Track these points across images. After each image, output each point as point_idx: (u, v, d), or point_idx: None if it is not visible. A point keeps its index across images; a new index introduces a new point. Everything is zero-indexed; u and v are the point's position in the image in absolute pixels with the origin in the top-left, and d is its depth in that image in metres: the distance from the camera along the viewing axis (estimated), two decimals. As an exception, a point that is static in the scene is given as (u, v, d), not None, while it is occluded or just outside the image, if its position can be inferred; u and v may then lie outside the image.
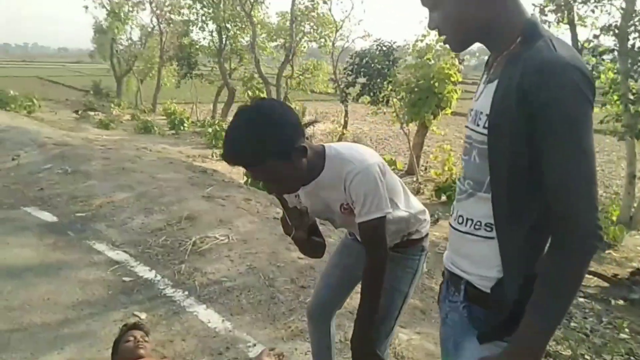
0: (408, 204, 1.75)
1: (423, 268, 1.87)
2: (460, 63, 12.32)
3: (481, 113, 1.13)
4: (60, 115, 17.91)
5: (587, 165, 1.01)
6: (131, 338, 2.44)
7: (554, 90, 0.99)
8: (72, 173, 6.27)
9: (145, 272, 3.68)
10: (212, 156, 12.34)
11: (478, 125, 1.13)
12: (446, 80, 12.00)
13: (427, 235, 1.84)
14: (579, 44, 10.43)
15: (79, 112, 18.29)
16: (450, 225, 1.26)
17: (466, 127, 1.20)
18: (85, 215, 4.87)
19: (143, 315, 2.97)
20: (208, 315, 3.08)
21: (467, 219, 1.19)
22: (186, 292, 3.38)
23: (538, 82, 1.01)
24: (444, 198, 10.59)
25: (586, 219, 1.00)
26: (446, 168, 11.59)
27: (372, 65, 12.20)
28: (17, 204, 5.18)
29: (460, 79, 12.09)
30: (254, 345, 2.76)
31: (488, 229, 1.15)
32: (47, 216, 4.85)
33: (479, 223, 1.16)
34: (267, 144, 1.38)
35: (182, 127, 16.75)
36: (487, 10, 1.11)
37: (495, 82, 1.11)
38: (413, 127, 13.25)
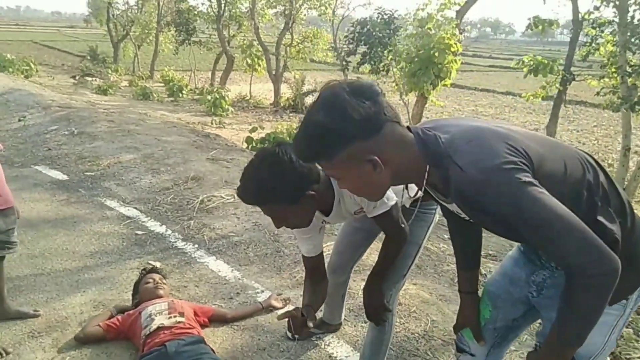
0: None
1: (436, 219, 2.04)
2: (461, 33, 12.27)
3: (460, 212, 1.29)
4: (57, 80, 17.83)
5: (558, 222, 1.07)
6: (150, 280, 2.65)
7: (491, 199, 1.09)
8: (79, 134, 6.40)
9: (156, 226, 3.88)
10: (212, 123, 12.42)
11: (461, 214, 1.29)
12: (446, 51, 11.96)
13: None
14: (579, 15, 10.47)
15: (77, 78, 18.19)
16: None
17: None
18: (94, 174, 5.04)
19: (157, 264, 3.16)
20: (218, 266, 3.29)
21: None
22: (196, 245, 3.58)
23: (475, 204, 1.13)
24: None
25: (590, 263, 1.06)
26: (444, 138, 11.74)
27: (374, 33, 12.16)
28: (28, 163, 5.34)
29: (460, 49, 12.07)
30: (262, 291, 2.98)
31: None
32: (58, 174, 5.02)
33: None
34: (275, 190, 1.53)
35: (180, 94, 16.70)
36: (387, 174, 1.18)
37: (453, 204, 1.25)
38: (413, 97, 13.31)
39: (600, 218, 1.16)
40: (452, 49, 12.14)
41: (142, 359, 2.18)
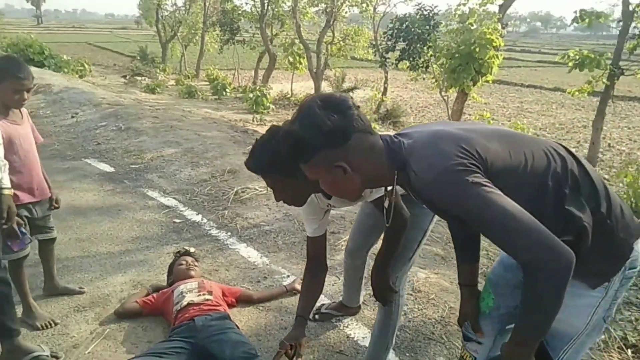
0: None
1: None
2: (503, 28, 12.03)
3: None
4: (109, 79, 18.67)
5: (506, 220, 1.14)
6: (183, 262, 2.86)
7: (444, 197, 1.21)
8: (125, 130, 6.78)
9: (192, 215, 4.11)
10: (253, 121, 12.71)
11: None
12: (487, 46, 11.76)
13: None
14: (630, 6, 10.09)
15: (127, 77, 18.98)
16: None
17: None
18: (139, 167, 5.35)
19: (192, 249, 3.37)
20: (248, 252, 3.47)
21: None
22: (229, 233, 3.78)
23: (431, 204, 1.28)
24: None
25: (543, 257, 1.13)
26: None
27: (412, 29, 12.11)
28: (79, 156, 5.72)
29: (502, 44, 11.82)
30: (288, 276, 3.14)
31: None
32: (105, 167, 5.37)
33: None
34: (276, 161, 1.63)
35: (224, 93, 17.12)
36: (357, 178, 1.32)
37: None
38: (453, 94, 13.17)
39: (568, 207, 1.23)
40: (494, 44, 11.91)
41: (173, 332, 2.37)
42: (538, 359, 1.32)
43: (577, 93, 11.28)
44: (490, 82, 13.94)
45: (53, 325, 2.55)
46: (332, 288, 3.00)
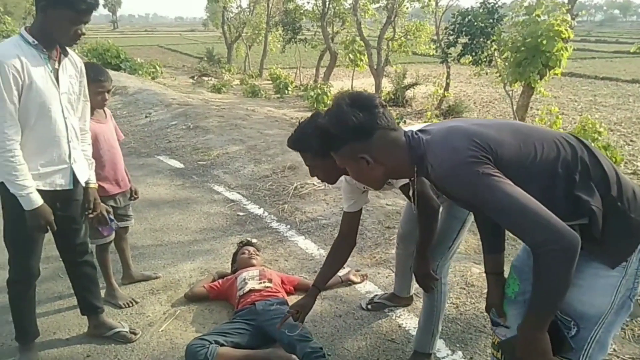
0: None
1: None
2: (573, 19, 11.50)
3: None
4: (178, 80, 19.61)
5: (514, 206, 1.24)
6: (246, 252, 3.07)
7: (459, 186, 1.33)
8: (194, 128, 7.19)
9: (255, 209, 4.35)
10: (314, 118, 12.95)
11: None
12: (555, 38, 11.28)
13: None
14: None
15: (195, 78, 19.85)
16: None
17: None
18: (206, 163, 5.70)
19: (254, 240, 3.59)
20: (306, 244, 3.65)
21: None
22: (288, 226, 3.98)
23: (448, 194, 1.41)
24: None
25: (549, 240, 1.21)
26: (553, 131, 11.11)
27: (475, 23, 11.84)
28: (152, 153, 6.16)
29: (571, 36, 11.30)
30: (343, 268, 3.26)
31: None
32: (176, 163, 5.75)
33: None
34: (309, 142, 1.86)
35: (286, 91, 17.50)
36: (379, 169, 1.46)
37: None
38: (519, 88, 12.75)
39: (577, 192, 1.31)
40: (563, 36, 11.42)
41: (236, 314, 2.59)
42: (554, 345, 1.38)
43: (654, 85, 10.60)
44: (559, 75, 13.36)
45: (133, 304, 2.84)
46: (386, 280, 3.11)
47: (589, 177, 1.34)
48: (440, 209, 2.12)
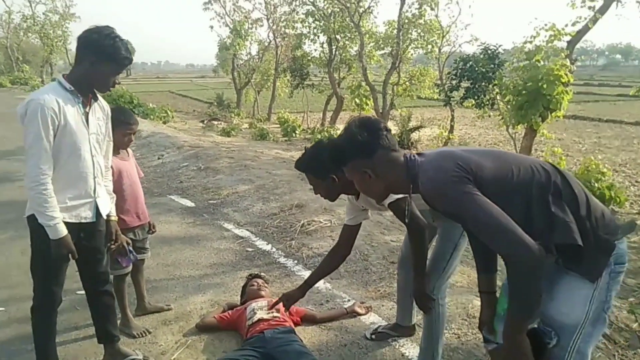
0: None
1: None
2: (572, 63, 11.84)
3: None
4: (189, 124, 20.12)
5: (490, 221, 1.44)
6: (255, 283, 3.21)
7: (442, 200, 1.56)
8: (204, 169, 7.43)
9: (263, 245, 4.50)
10: (321, 159, 13.21)
11: None
12: (556, 82, 11.60)
13: None
14: None
15: (205, 122, 20.35)
16: None
17: None
18: (216, 202, 5.89)
19: (262, 274, 3.72)
20: (312, 278, 3.76)
21: None
22: (295, 261, 4.11)
23: (436, 208, 1.62)
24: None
25: (515, 252, 1.42)
26: (556, 172, 11.24)
27: (476, 68, 12.26)
28: (164, 193, 6.38)
29: (572, 80, 11.62)
30: (349, 300, 3.39)
31: None
32: (187, 202, 5.95)
33: None
34: (311, 165, 2.34)
35: (294, 134, 17.89)
36: (379, 184, 1.71)
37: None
38: (522, 130, 12.98)
39: (553, 209, 1.50)
40: (563, 80, 11.74)
41: (246, 342, 2.70)
42: (536, 354, 1.52)
43: (655, 127, 10.81)
44: (561, 117, 13.61)
45: (147, 334, 2.96)
46: (390, 312, 3.21)
47: (560, 198, 1.52)
48: (436, 234, 2.29)
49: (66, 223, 2.24)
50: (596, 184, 9.22)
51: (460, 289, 3.56)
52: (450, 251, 2.32)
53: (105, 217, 2.48)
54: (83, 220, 2.34)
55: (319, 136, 15.26)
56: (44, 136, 2.12)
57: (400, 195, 2.15)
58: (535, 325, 1.63)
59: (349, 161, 1.72)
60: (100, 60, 2.19)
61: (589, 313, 1.55)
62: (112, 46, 2.18)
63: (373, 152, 1.67)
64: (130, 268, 2.95)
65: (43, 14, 33.58)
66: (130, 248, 2.72)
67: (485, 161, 1.58)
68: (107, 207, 2.49)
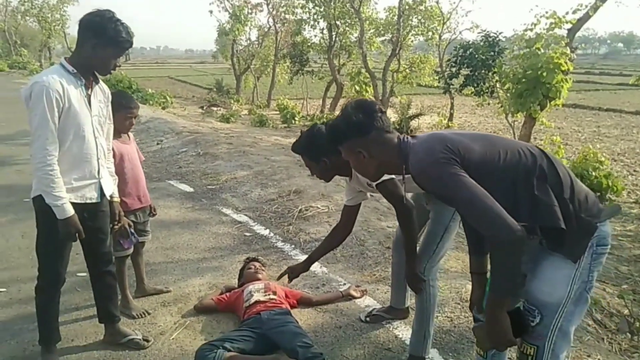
0: None
1: None
2: (572, 52, 11.81)
3: None
4: (188, 110, 20.09)
5: (474, 201, 1.49)
6: (252, 266, 3.26)
7: (429, 179, 1.61)
8: (203, 155, 7.46)
9: (261, 230, 4.55)
10: (320, 146, 13.22)
11: None
12: (555, 70, 11.58)
13: None
14: None
15: (204, 108, 20.31)
16: None
17: None
18: (214, 187, 5.93)
19: (260, 257, 3.78)
20: (309, 262, 3.82)
21: None
22: (293, 246, 4.17)
23: (421, 183, 1.66)
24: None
25: (492, 233, 1.48)
26: (555, 160, 11.27)
27: (476, 56, 12.24)
28: (163, 178, 6.42)
29: (571, 68, 11.58)
30: (344, 284, 3.45)
31: None
32: (186, 187, 5.99)
33: None
34: (306, 147, 2.43)
35: (293, 121, 17.87)
36: (374, 163, 1.77)
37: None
38: (521, 119, 12.99)
39: (536, 192, 1.55)
40: (563, 68, 11.71)
41: (243, 323, 2.76)
42: (519, 330, 1.59)
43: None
44: (561, 106, 13.61)
45: (146, 315, 3.02)
46: (385, 296, 3.26)
47: (545, 181, 1.57)
48: (429, 217, 2.40)
49: (72, 203, 2.29)
50: (594, 173, 9.26)
51: (454, 273, 3.62)
52: (440, 234, 2.39)
53: (108, 198, 2.53)
54: (88, 201, 2.40)
55: (318, 123, 15.27)
56: (50, 118, 2.16)
57: (388, 177, 2.21)
58: (521, 306, 1.69)
59: (345, 141, 1.77)
60: (101, 44, 2.22)
61: (570, 292, 1.60)
62: (113, 29, 2.21)
63: (367, 133, 1.72)
64: (131, 250, 3.00)
65: (41, -4, 33.34)
66: (132, 230, 2.77)
67: (474, 144, 1.62)
68: (110, 188, 2.54)
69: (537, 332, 1.64)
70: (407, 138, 1.74)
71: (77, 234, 2.29)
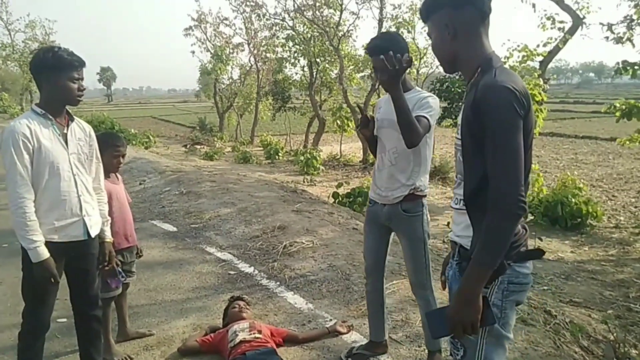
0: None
1: (428, 217, 2.62)
2: (545, 82, 12.19)
3: (459, 125, 1.70)
4: (171, 149, 20.12)
5: (508, 157, 1.45)
6: (236, 306, 3.22)
7: (492, 104, 1.50)
8: (187, 193, 7.44)
9: (246, 267, 4.51)
10: (304, 181, 13.28)
11: (457, 133, 1.69)
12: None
13: (426, 195, 2.60)
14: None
15: (187, 146, 20.38)
16: (451, 206, 1.82)
17: (454, 136, 1.77)
18: (198, 226, 5.89)
19: (244, 296, 3.73)
20: (295, 299, 3.79)
21: (459, 200, 1.71)
22: (278, 283, 4.13)
23: (481, 97, 1.52)
24: (530, 217, 10.42)
25: (505, 192, 1.44)
26: (535, 189, 11.43)
27: (453, 89, 12.57)
28: (146, 218, 6.36)
29: (545, 98, 11.94)
30: (330, 320, 3.41)
31: None
32: (169, 227, 5.94)
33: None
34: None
35: (277, 157, 18.01)
36: (453, 47, 1.65)
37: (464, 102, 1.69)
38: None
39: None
40: (537, 99, 12.06)
41: (227, 365, 2.71)
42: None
43: (627, 142, 11.14)
44: (537, 135, 13.90)
45: (128, 360, 2.95)
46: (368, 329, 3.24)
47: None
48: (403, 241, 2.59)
49: (57, 243, 2.29)
50: (573, 199, 9.43)
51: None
52: (422, 246, 2.57)
53: (99, 239, 2.53)
54: (74, 239, 2.38)
55: (301, 158, 15.41)
56: (17, 161, 2.19)
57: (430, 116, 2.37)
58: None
59: (438, 10, 1.64)
60: (51, 72, 2.28)
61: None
62: (52, 57, 2.27)
63: (463, 6, 1.59)
64: (119, 290, 2.97)
65: (22, 42, 33.49)
66: (120, 269, 2.75)
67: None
68: (98, 226, 2.51)
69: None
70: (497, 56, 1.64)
71: (52, 278, 2.25)
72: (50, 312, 2.41)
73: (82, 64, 2.34)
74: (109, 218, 2.65)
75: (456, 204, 1.74)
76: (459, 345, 1.62)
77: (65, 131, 2.36)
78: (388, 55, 2.19)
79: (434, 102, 2.50)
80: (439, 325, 1.60)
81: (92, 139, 2.53)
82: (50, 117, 2.32)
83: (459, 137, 1.65)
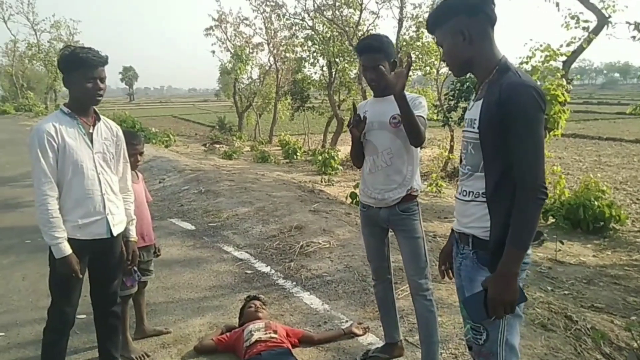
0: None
1: (421, 216, 2.66)
2: (568, 83, 11.96)
3: (474, 120, 1.71)
4: (191, 148, 20.29)
5: (535, 148, 1.59)
6: (252, 305, 3.23)
7: (519, 101, 1.59)
8: (205, 192, 7.50)
9: (262, 267, 4.53)
10: (321, 181, 13.26)
11: (473, 127, 1.71)
12: (552, 101, 11.69)
13: (418, 195, 2.63)
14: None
15: (207, 145, 20.53)
16: (457, 198, 1.84)
17: (463, 131, 1.79)
18: (216, 225, 5.93)
19: (261, 295, 3.74)
20: (311, 299, 3.79)
21: (469, 192, 1.77)
22: (294, 283, 4.13)
23: (509, 95, 1.60)
24: (551, 220, 10.25)
25: (531, 180, 1.57)
26: (557, 191, 11.24)
27: (473, 89, 12.43)
28: (165, 216, 6.43)
29: (568, 99, 11.70)
30: (347, 321, 3.40)
31: (483, 197, 1.71)
32: (187, 225, 5.99)
33: (477, 193, 1.73)
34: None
35: (295, 156, 18.01)
36: (469, 51, 1.73)
37: (482, 99, 1.69)
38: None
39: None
40: (560, 100, 11.84)
41: (243, 364, 2.71)
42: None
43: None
44: (560, 136, 13.67)
45: (146, 357, 2.98)
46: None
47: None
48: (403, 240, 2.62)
49: (80, 240, 2.34)
50: (596, 202, 9.23)
51: (457, 308, 3.57)
52: (422, 244, 2.59)
53: (123, 238, 2.58)
54: (97, 237, 2.42)
55: (319, 158, 15.39)
56: (42, 159, 2.25)
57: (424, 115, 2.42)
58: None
59: (453, 17, 1.72)
60: (71, 74, 2.32)
61: None
62: (70, 55, 2.32)
63: (477, 14, 1.69)
64: (135, 289, 3.00)
65: (48, 42, 34.23)
66: (135, 268, 2.79)
67: None
68: (122, 225, 2.55)
69: (487, 349, 1.69)
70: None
71: (74, 274, 2.29)
72: (75, 308, 2.46)
73: (103, 62, 2.36)
74: (134, 217, 2.68)
75: (464, 195, 1.80)
76: (481, 329, 1.70)
77: (90, 130, 2.41)
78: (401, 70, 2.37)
79: (425, 101, 2.61)
80: (479, 310, 1.68)
81: (120, 139, 2.58)
82: (76, 116, 2.37)
83: (476, 131, 1.72)
